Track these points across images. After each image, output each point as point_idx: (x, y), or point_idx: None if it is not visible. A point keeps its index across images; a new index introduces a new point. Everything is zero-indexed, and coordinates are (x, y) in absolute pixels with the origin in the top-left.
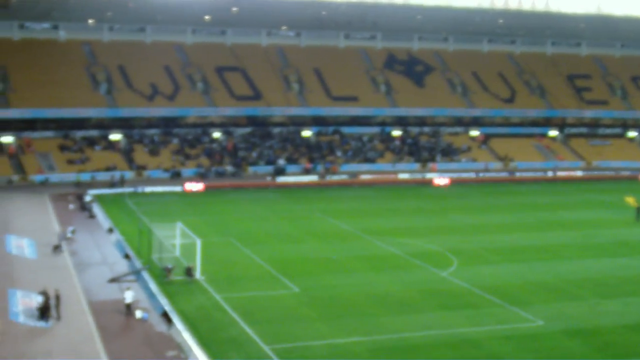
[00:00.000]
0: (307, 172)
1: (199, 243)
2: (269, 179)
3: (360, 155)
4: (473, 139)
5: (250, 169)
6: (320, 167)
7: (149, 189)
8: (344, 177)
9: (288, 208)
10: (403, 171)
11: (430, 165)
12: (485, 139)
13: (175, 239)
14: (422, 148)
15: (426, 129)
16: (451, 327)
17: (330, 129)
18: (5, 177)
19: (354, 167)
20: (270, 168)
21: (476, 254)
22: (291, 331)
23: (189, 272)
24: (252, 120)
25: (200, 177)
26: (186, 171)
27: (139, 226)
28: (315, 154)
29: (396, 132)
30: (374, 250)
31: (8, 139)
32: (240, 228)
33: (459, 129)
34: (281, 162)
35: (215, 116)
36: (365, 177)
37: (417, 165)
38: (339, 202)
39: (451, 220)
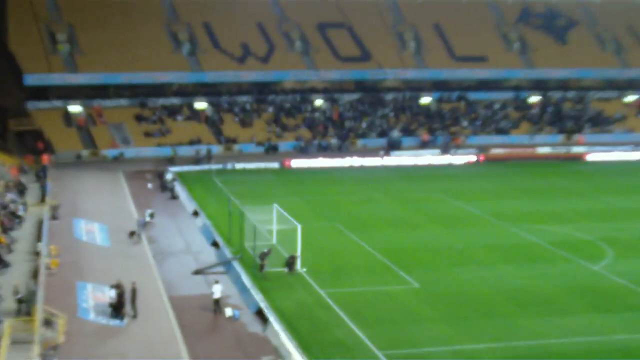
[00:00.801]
0: (424, 145)
1: (299, 229)
2: (381, 153)
3: (490, 125)
4: (628, 105)
5: (359, 142)
6: (441, 140)
7: (239, 166)
8: (470, 151)
9: (403, 188)
10: (543, 144)
11: (577, 137)
12: None
13: (272, 224)
14: (566, 117)
15: (570, 94)
16: (605, 332)
17: (454, 94)
18: (74, 152)
19: (482, 139)
20: (382, 141)
21: (636, 245)
22: (409, 334)
23: (289, 263)
24: (360, 85)
25: (300, 151)
26: (283, 145)
27: (228, 209)
28: (435, 124)
29: (533, 98)
30: (508, 238)
31: (76, 108)
32: (348, 211)
33: (610, 94)
34: (395, 134)
35: (317, 80)
36: (496, 151)
37: (559, 137)
38: (464, 181)
39: (604, 204)
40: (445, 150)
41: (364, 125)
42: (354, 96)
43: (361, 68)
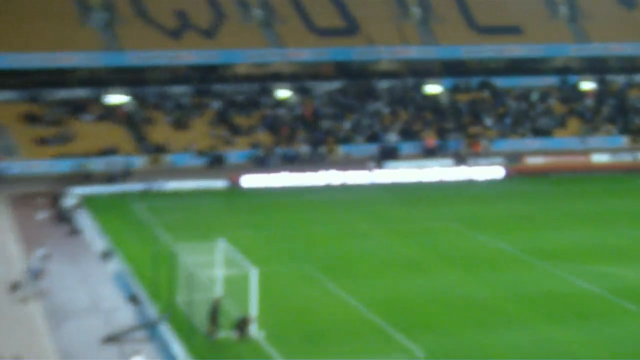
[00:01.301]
0: (431, 153)
1: (255, 275)
2: (371, 165)
3: (525, 124)
4: None
5: (340, 150)
6: (455, 146)
7: (171, 186)
8: (497, 161)
9: (402, 215)
10: (600, 150)
11: None
12: None
13: (217, 268)
14: (632, 110)
15: (639, 78)
16: None
17: (475, 80)
18: None
19: (514, 144)
20: (373, 148)
21: None
22: None
23: (240, 325)
24: (343, 69)
25: (257, 163)
26: (234, 155)
27: (154, 248)
28: (447, 123)
29: (588, 85)
30: (552, 285)
31: None
32: (325, 250)
33: None
34: (391, 137)
35: (283, 63)
36: (533, 161)
37: (623, 140)
38: (488, 205)
39: None
40: (461, 160)
41: (347, 125)
42: (335, 85)
43: (345, 45)
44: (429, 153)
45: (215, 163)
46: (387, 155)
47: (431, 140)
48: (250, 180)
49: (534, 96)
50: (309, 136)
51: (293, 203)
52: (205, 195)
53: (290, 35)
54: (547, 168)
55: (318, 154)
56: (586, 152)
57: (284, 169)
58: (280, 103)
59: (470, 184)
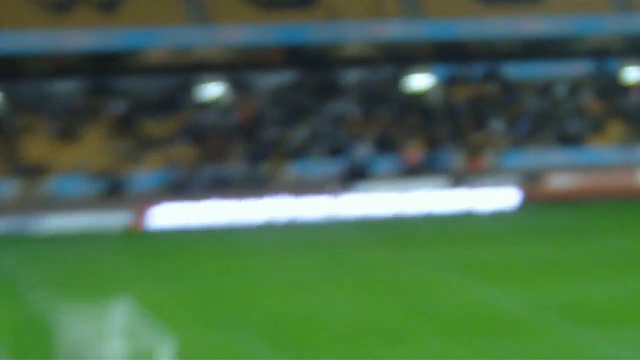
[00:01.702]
0: (414, 171)
1: (168, 349)
2: (334, 191)
3: (547, 129)
4: None
5: (291, 169)
6: (451, 161)
7: (53, 223)
8: (508, 180)
9: (377, 261)
10: None
11: None
12: None
13: (114, 340)
14: None
15: None
16: None
17: (477, 69)
18: None
19: (533, 157)
20: (336, 165)
21: None
22: None
23: None
24: (295, 56)
25: (172, 190)
26: (141, 178)
27: (24, 314)
28: (439, 127)
29: (633, 73)
30: None
31: None
32: (267, 312)
33: None
34: (363, 150)
35: (212, 48)
36: (559, 180)
37: None
38: (495, 246)
39: None
40: (458, 181)
41: (301, 134)
42: (284, 78)
43: (298, 21)
44: (412, 172)
45: (114, 190)
46: (357, 175)
47: (414, 154)
48: (163, 214)
49: (560, 90)
50: (247, 150)
51: (223, 246)
52: (100, 236)
53: (222, 9)
54: (579, 191)
55: (259, 174)
56: (633, 168)
57: (212, 197)
58: (208, 104)
59: (471, 215)
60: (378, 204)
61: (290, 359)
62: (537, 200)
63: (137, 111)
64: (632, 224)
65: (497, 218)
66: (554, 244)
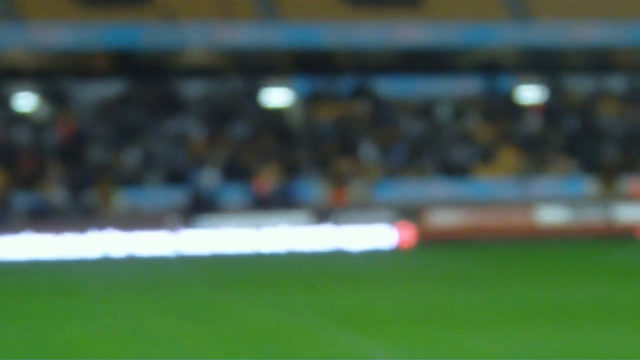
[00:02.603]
0: (263, 203)
1: None
2: (174, 225)
3: (428, 156)
4: None
5: (122, 197)
6: (315, 191)
7: None
8: (384, 217)
9: (228, 307)
10: (549, 200)
11: (628, 182)
12: None
13: None
14: (606, 135)
15: (616, 83)
16: None
17: (346, 84)
18: None
19: (410, 189)
20: (177, 194)
21: None
22: None
23: None
24: (125, 63)
25: None
26: None
27: None
28: (300, 152)
29: (531, 93)
30: None
31: None
32: None
33: None
34: (209, 177)
35: (24, 51)
36: (441, 217)
37: (587, 185)
38: (368, 290)
39: None
40: (321, 214)
41: (133, 157)
42: (112, 89)
43: (128, 21)
44: (263, 203)
45: None
46: (202, 206)
47: (266, 182)
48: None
49: (444, 111)
50: (68, 174)
51: (39, 287)
52: None
53: (34, 4)
54: (466, 230)
55: (83, 204)
56: (528, 204)
57: (26, 229)
58: (20, 118)
59: (338, 255)
60: (228, 241)
61: (380, 340)
62: (416, 239)
63: None
64: (527, 267)
65: (369, 259)
66: (437, 291)
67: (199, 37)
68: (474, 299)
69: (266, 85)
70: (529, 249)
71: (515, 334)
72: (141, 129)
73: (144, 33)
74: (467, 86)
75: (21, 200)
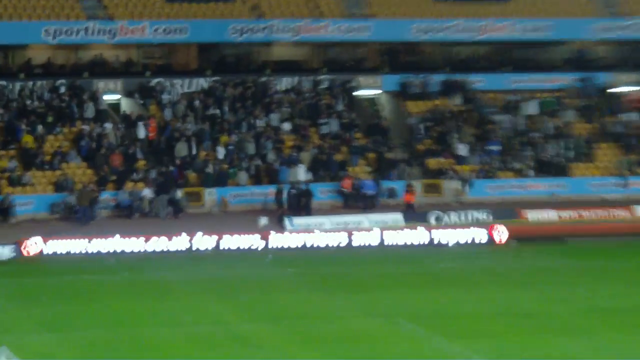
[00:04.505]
0: (350, 199)
1: None
2: (263, 222)
3: (524, 153)
4: None
5: (209, 195)
6: (395, 189)
7: None
8: (476, 217)
9: (317, 310)
10: None
11: None
12: None
13: None
14: None
15: None
16: None
17: (436, 78)
18: None
19: (505, 187)
20: (265, 192)
21: None
22: None
23: None
24: (212, 57)
25: (64, 215)
26: (26, 201)
27: None
28: (393, 149)
29: (628, 87)
30: None
31: None
32: None
33: None
34: (301, 173)
35: (110, 45)
36: (539, 215)
37: None
38: (462, 292)
39: None
40: (409, 212)
41: (221, 153)
42: (196, 83)
43: (214, 15)
44: (348, 199)
45: None
46: (296, 204)
47: (347, 181)
48: (52, 245)
49: (532, 107)
50: (155, 171)
51: (124, 283)
52: None
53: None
54: (563, 229)
55: (171, 201)
56: (629, 200)
57: (116, 227)
58: (106, 113)
59: (433, 254)
60: (319, 239)
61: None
62: (512, 239)
63: None
64: (629, 267)
65: (462, 258)
66: (532, 292)
67: (280, 31)
68: (571, 301)
69: (357, 81)
70: (627, 248)
71: (614, 337)
72: (228, 126)
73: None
74: (561, 81)
75: (109, 197)
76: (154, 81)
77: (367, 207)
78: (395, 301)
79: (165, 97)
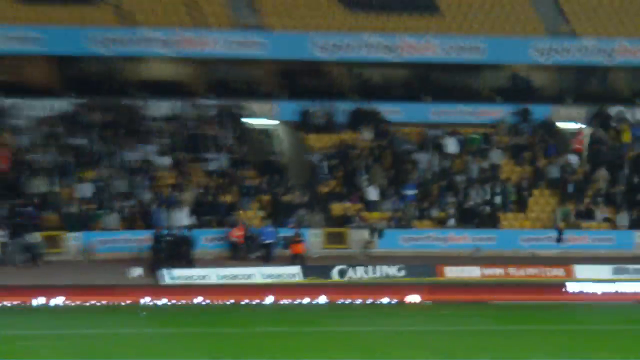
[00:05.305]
0: (237, 249)
1: None
2: (136, 274)
3: (445, 199)
4: None
5: (73, 240)
6: (280, 233)
7: None
8: (387, 271)
9: None
10: (592, 256)
11: None
12: None
13: None
14: None
15: None
16: None
17: (343, 107)
18: None
19: (422, 239)
20: (138, 237)
21: None
22: None
23: None
24: (73, 74)
25: None
26: None
27: None
28: (291, 190)
29: (569, 123)
30: None
31: None
32: None
33: None
34: (182, 217)
35: None
36: (457, 272)
37: (637, 237)
38: None
39: None
40: (307, 266)
41: (86, 190)
42: (61, 105)
43: (75, 21)
44: (235, 249)
45: None
46: (176, 253)
47: (239, 229)
48: None
49: (455, 145)
50: (7, 211)
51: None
52: None
53: None
54: (487, 289)
55: (27, 247)
56: (565, 258)
57: None
58: None
59: (334, 314)
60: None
61: None
62: (435, 304)
63: None
64: (564, 335)
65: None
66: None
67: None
68: None
69: (249, 108)
70: (561, 314)
71: None
72: (95, 158)
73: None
74: (492, 114)
75: None
76: (5, 102)
77: (264, 258)
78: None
79: (19, 122)
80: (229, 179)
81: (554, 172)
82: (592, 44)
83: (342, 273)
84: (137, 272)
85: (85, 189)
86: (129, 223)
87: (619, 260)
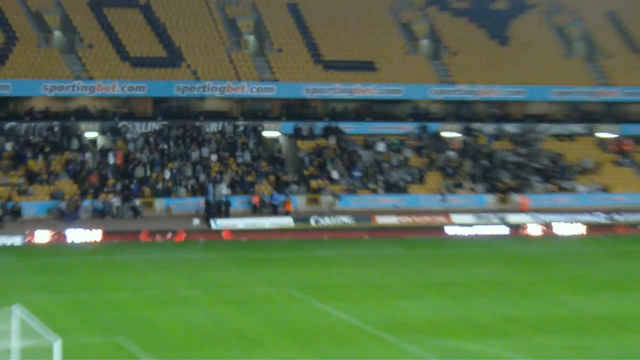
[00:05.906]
0: (258, 209)
1: (58, 347)
2: (196, 223)
3: (377, 177)
4: (605, 146)
5: (159, 203)
6: (282, 198)
7: None
8: (343, 220)
9: (234, 280)
10: (462, 210)
11: (517, 198)
12: (634, 146)
13: (9, 339)
14: (502, 164)
15: (510, 128)
16: None
17: (319, 125)
18: None
19: (363, 200)
20: (197, 202)
21: None
22: None
23: None
24: (162, 107)
25: (58, 216)
26: (31, 205)
27: None
28: (287, 173)
29: (450, 133)
30: None
31: None
32: (140, 319)
33: (576, 127)
34: (222, 189)
35: (90, 98)
36: (384, 220)
37: (488, 199)
38: (332, 269)
39: (559, 306)
40: (294, 216)
41: (167, 175)
42: (153, 125)
43: (164, 78)
44: (256, 209)
45: (10, 216)
46: (216, 211)
47: (256, 196)
48: (49, 237)
49: (384, 146)
50: (121, 186)
51: (103, 264)
52: None
53: (99, 65)
54: (401, 229)
55: (131, 207)
56: (446, 211)
57: (93, 225)
58: (85, 147)
59: (311, 244)
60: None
61: (158, 357)
62: (369, 237)
63: (26, 150)
64: (444, 255)
65: (332, 249)
66: (380, 270)
67: (212, 89)
68: (403, 276)
69: (263, 126)
70: (444, 243)
71: (430, 300)
72: (171, 158)
73: (174, 87)
74: (405, 129)
75: (86, 204)
76: (121, 124)
77: (272, 213)
78: (286, 276)
79: (128, 136)
80: (250, 167)
81: (441, 161)
82: (464, 88)
83: (316, 221)
84: (196, 222)
85: (167, 174)
86: (192, 193)
87: (477, 212)
